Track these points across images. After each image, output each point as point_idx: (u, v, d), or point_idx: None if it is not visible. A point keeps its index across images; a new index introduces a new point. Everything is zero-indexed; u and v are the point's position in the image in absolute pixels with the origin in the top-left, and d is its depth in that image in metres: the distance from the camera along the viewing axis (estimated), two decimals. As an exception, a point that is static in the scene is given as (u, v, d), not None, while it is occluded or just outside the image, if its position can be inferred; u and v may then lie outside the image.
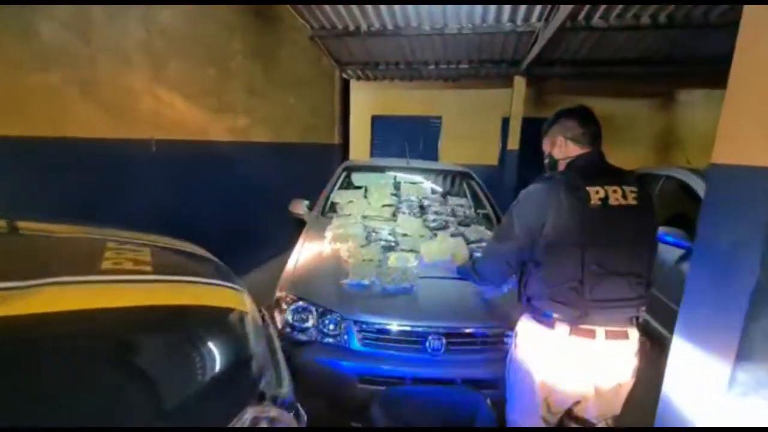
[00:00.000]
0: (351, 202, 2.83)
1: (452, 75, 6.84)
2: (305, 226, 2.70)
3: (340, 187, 3.17)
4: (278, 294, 1.91)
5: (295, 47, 5.36)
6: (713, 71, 5.83)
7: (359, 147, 8.02)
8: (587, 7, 4.14)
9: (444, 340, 1.69)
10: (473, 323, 1.74)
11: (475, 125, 7.57)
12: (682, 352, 1.30)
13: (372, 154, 8.21)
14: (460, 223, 2.65)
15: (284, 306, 1.85)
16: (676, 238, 2.65)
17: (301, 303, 1.83)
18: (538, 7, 4.35)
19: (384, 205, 2.79)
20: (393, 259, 2.08)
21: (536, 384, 1.29)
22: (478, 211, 3.00)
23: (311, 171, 4.92)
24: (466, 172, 3.39)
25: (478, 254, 1.74)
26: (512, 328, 1.76)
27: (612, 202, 1.19)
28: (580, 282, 1.18)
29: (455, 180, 3.42)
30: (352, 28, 5.22)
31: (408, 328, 1.71)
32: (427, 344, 1.69)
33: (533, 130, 7.05)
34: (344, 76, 7.24)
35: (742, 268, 1.06)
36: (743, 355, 1.07)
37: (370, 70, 6.89)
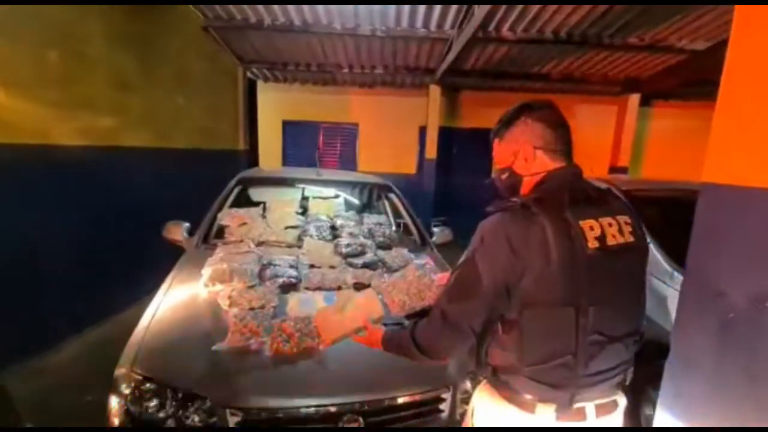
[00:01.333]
0: (244, 224, 2.25)
1: (368, 81, 6.54)
2: (180, 259, 2.05)
3: (233, 205, 2.56)
4: (117, 371, 1.29)
5: (186, 38, 4.54)
6: (605, 89, 6.50)
7: (270, 154, 7.29)
8: (498, 16, 4.12)
9: (363, 421, 1.24)
10: (400, 390, 1.32)
11: (392, 133, 7.35)
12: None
13: (284, 163, 7.52)
14: (379, 246, 2.24)
15: (124, 389, 1.24)
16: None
17: (149, 385, 1.24)
18: (452, 14, 4.22)
19: (287, 227, 2.27)
20: (294, 304, 1.58)
21: None
22: (399, 229, 2.64)
23: (210, 183, 4.14)
24: (385, 184, 3.02)
25: (412, 321, 1.12)
26: (448, 387, 1.39)
27: (610, 241, 0.86)
28: (574, 355, 0.83)
29: (373, 193, 3.03)
30: (253, 20, 4.59)
31: (313, 410, 1.23)
32: (341, 428, 1.22)
33: (450, 139, 7.07)
34: (249, 75, 6.50)
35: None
36: None
37: (278, 70, 6.27)
